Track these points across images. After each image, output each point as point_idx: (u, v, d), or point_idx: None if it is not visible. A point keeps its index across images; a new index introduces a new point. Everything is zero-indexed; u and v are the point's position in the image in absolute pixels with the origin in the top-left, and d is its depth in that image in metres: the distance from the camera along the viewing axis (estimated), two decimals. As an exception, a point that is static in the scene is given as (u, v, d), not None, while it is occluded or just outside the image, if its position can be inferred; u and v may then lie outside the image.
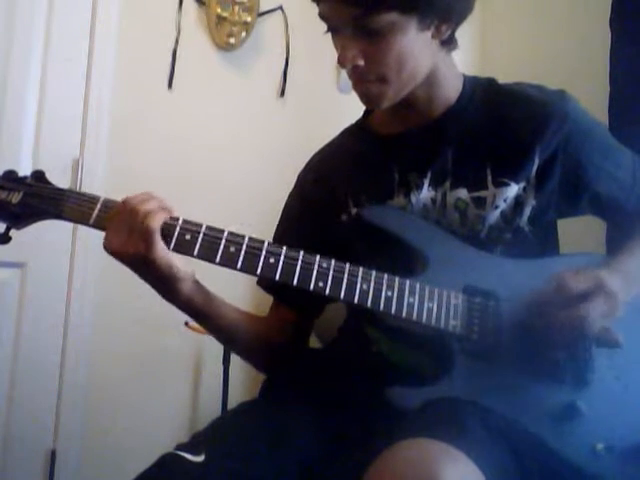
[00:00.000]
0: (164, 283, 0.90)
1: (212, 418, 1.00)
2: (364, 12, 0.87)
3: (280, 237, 1.11)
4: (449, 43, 0.98)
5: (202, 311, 0.97)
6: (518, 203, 0.99)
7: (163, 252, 0.87)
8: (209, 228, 0.88)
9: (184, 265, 0.90)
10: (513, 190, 0.99)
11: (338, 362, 1.07)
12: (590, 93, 1.39)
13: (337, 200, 1.07)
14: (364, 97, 0.98)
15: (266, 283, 1.12)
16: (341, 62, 0.92)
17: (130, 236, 0.86)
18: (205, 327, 1.03)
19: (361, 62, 0.92)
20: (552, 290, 0.91)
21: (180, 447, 0.87)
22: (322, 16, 0.94)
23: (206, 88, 2.12)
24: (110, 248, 0.87)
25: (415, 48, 0.92)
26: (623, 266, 1.00)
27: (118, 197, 0.90)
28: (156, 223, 0.86)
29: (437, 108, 1.02)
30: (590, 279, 0.90)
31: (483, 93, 1.03)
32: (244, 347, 1.11)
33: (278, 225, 1.15)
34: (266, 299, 1.17)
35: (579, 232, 1.29)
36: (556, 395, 0.92)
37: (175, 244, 0.87)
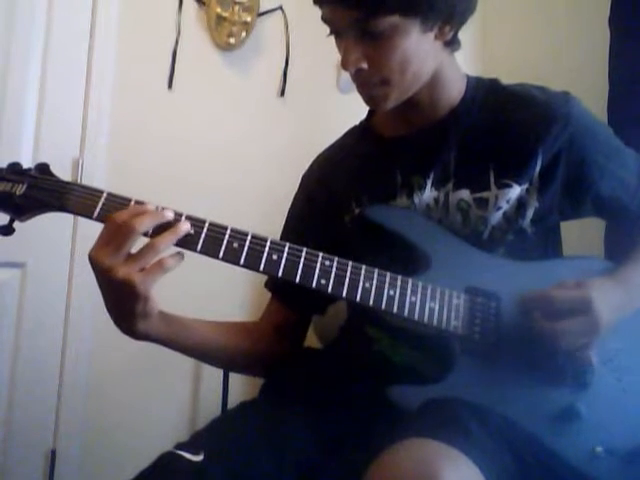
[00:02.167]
0: (127, 314, 0.87)
1: (212, 418, 1.00)
2: (366, 15, 0.87)
3: (286, 237, 1.11)
4: (452, 44, 0.98)
5: (160, 342, 0.96)
6: (521, 204, 0.99)
7: (152, 291, 0.84)
8: (212, 224, 0.88)
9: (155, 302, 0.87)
10: (516, 191, 0.98)
11: (339, 362, 1.07)
12: (590, 92, 1.38)
13: (340, 201, 1.07)
14: (368, 100, 0.98)
15: (273, 285, 1.12)
16: (344, 65, 0.92)
17: (128, 261, 0.82)
18: (178, 351, 1.02)
19: (364, 65, 0.92)
20: (542, 297, 0.92)
21: (179, 446, 0.87)
22: (325, 19, 0.93)
23: (206, 88, 2.11)
24: (96, 261, 0.84)
25: (418, 50, 0.92)
26: (628, 277, 1.00)
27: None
28: (172, 266, 0.84)
29: (440, 109, 1.02)
30: (579, 297, 0.91)
31: (486, 94, 1.03)
32: (231, 364, 1.15)
33: (284, 226, 1.16)
34: (266, 298, 1.17)
35: (577, 233, 1.29)
36: (556, 397, 0.92)
37: (178, 239, 0.86)
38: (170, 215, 0.86)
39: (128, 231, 0.82)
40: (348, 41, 0.91)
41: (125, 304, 0.85)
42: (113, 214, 0.85)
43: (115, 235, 0.83)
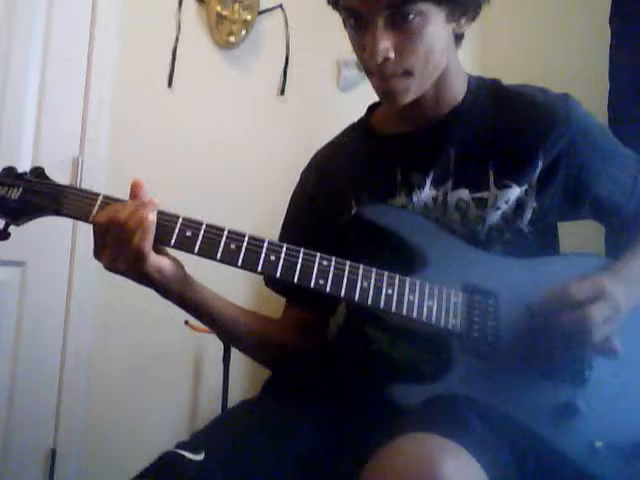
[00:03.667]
0: (156, 285, 0.90)
1: (212, 418, 1.00)
2: (401, 0, 0.87)
3: (284, 236, 1.11)
4: (460, 39, 0.98)
5: (195, 307, 0.96)
6: (519, 205, 0.99)
7: (153, 261, 0.86)
8: (210, 225, 0.88)
9: (172, 266, 0.90)
10: (515, 192, 0.98)
11: (338, 360, 1.07)
12: (590, 92, 1.38)
13: (339, 199, 1.07)
14: (387, 94, 0.96)
15: (277, 285, 1.12)
16: (372, 56, 0.90)
17: (120, 253, 0.85)
18: (203, 323, 1.01)
19: (392, 55, 0.90)
20: (556, 294, 0.91)
21: (180, 445, 0.87)
22: (351, 8, 0.92)
23: (206, 87, 2.12)
24: (100, 262, 0.87)
25: (441, 40, 0.92)
26: (626, 272, 0.99)
27: (118, 196, 0.89)
28: (148, 243, 0.84)
29: (443, 107, 1.02)
30: (594, 286, 0.90)
31: (488, 94, 1.03)
32: (247, 345, 1.10)
33: (283, 223, 1.15)
34: (267, 299, 1.17)
35: (578, 232, 1.29)
36: (555, 393, 0.92)
37: (176, 241, 0.87)
38: (145, 196, 0.88)
39: (112, 227, 0.84)
40: (377, 30, 0.89)
41: (143, 281, 0.88)
42: (95, 217, 0.87)
43: (103, 236, 0.85)
